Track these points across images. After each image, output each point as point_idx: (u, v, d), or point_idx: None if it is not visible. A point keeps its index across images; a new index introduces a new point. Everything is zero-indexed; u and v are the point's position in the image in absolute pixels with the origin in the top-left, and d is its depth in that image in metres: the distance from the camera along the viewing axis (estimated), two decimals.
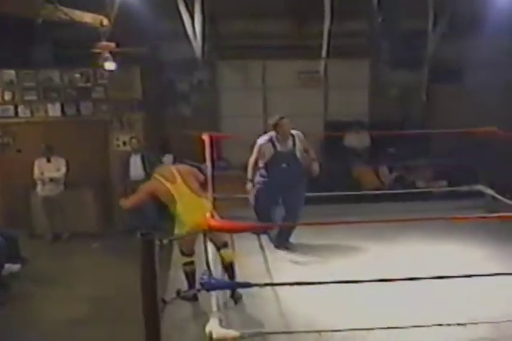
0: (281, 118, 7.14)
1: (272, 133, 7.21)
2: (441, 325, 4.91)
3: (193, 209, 5.83)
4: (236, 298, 5.77)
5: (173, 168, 6.12)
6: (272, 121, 7.24)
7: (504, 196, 8.80)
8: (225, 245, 5.97)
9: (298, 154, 7.21)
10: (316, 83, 12.11)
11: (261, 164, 7.22)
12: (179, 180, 5.95)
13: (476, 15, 10.21)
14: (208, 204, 6.07)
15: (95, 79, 10.93)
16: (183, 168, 6.23)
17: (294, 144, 7.20)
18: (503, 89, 11.24)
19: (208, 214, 5.68)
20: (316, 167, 7.31)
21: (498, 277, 5.28)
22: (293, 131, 7.23)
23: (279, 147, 7.14)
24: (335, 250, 7.22)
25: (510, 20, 9.72)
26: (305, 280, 5.84)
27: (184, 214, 5.83)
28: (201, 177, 6.34)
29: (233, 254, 6.08)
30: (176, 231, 5.89)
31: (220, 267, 6.02)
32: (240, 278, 5.97)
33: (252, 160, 7.26)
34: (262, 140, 7.22)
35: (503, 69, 11.12)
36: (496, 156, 10.18)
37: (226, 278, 5.87)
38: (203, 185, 6.53)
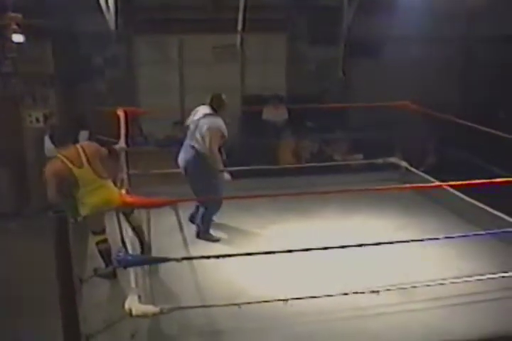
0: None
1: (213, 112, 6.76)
2: (356, 292, 5.06)
3: (97, 191, 5.71)
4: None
5: (80, 148, 5.82)
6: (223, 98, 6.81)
7: (417, 168, 9.10)
8: (132, 211, 5.98)
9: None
10: (233, 57, 12.07)
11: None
12: (86, 164, 5.73)
13: None
14: (110, 184, 5.92)
15: (3, 53, 10.45)
16: (90, 147, 5.93)
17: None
18: (417, 63, 11.54)
19: (111, 194, 5.64)
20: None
21: (408, 245, 5.51)
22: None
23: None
24: (253, 224, 7.28)
25: None
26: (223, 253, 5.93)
27: (86, 197, 5.70)
28: (105, 152, 6.11)
29: (140, 218, 6.05)
30: (80, 211, 5.75)
31: (137, 244, 6.00)
32: (157, 252, 6.00)
33: (216, 146, 6.62)
34: (220, 122, 6.70)
35: (417, 44, 11.41)
36: (410, 130, 10.49)
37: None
38: (111, 160, 6.39)
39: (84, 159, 5.74)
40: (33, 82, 10.65)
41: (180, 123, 11.61)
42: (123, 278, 5.46)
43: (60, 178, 5.67)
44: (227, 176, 6.67)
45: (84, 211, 5.74)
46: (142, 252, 5.98)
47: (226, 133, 6.67)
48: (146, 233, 6.16)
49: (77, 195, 5.73)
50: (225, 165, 6.71)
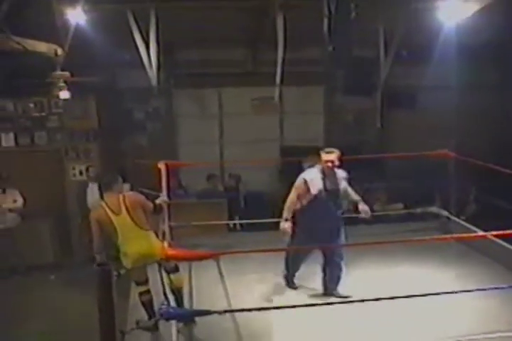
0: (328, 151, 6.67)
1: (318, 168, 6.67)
2: None
3: (136, 241, 5.83)
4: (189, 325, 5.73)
5: (121, 197, 6.00)
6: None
7: (458, 217, 8.99)
8: (176, 269, 5.96)
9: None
10: (272, 110, 12.26)
11: (304, 202, 6.59)
12: (124, 211, 5.88)
13: (425, 42, 10.49)
14: (153, 235, 6.02)
15: (50, 109, 10.83)
16: (131, 197, 6.11)
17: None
18: (454, 112, 11.54)
19: (154, 247, 5.71)
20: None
21: (458, 296, 5.39)
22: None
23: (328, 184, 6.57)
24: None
25: (458, 46, 10.02)
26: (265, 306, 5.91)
27: (126, 246, 5.82)
28: (149, 206, 6.22)
29: (183, 280, 6.04)
30: (123, 262, 5.84)
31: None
32: (199, 305, 5.96)
33: (293, 197, 6.58)
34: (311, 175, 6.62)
35: (454, 92, 11.44)
36: (449, 179, 10.40)
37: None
38: (154, 214, 6.48)
39: (123, 207, 5.91)
40: (77, 136, 10.96)
41: (214, 176, 11.76)
42: (165, 331, 5.45)
43: (101, 225, 5.86)
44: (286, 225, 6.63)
45: (127, 263, 5.82)
46: None
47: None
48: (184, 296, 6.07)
49: (118, 243, 5.85)
50: None
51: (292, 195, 6.56)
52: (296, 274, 6.99)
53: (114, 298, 4.04)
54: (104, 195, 6.16)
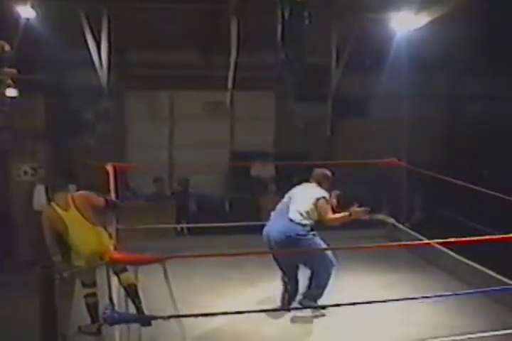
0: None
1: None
2: None
3: (87, 237, 5.83)
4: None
5: (69, 195, 6.07)
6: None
7: (404, 225, 9.14)
8: (124, 269, 5.90)
9: None
10: (223, 114, 12.25)
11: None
12: (72, 207, 5.93)
13: (377, 51, 10.67)
14: (104, 233, 6.00)
15: None
16: (79, 194, 6.17)
17: None
18: (404, 121, 11.74)
19: (105, 244, 5.63)
20: None
21: (397, 303, 5.47)
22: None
23: None
24: (240, 281, 7.22)
25: (409, 56, 10.21)
26: (212, 311, 5.86)
27: (78, 242, 5.81)
28: (99, 202, 6.22)
29: (133, 277, 5.97)
30: (74, 260, 5.80)
31: (123, 299, 5.91)
32: (145, 309, 5.89)
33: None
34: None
35: (404, 102, 11.64)
36: (396, 186, 10.57)
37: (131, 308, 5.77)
38: (103, 210, 6.41)
39: (71, 203, 5.95)
40: (23, 135, 10.71)
41: (161, 179, 11.69)
42: (108, 335, 5.37)
43: (52, 223, 5.88)
44: None
45: (78, 262, 5.77)
46: (138, 312, 5.84)
47: None
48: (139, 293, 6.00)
49: (69, 240, 5.82)
50: None
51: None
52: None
53: (56, 302, 3.96)
54: (54, 196, 6.15)
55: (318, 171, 6.83)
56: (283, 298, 6.38)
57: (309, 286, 6.32)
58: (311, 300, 6.19)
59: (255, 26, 9.75)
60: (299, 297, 6.35)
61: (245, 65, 10.71)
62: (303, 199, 6.39)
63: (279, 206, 6.49)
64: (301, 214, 6.25)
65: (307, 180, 6.73)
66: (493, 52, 11.30)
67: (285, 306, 6.29)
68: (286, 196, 6.51)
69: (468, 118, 12.74)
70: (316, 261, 6.26)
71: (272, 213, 6.49)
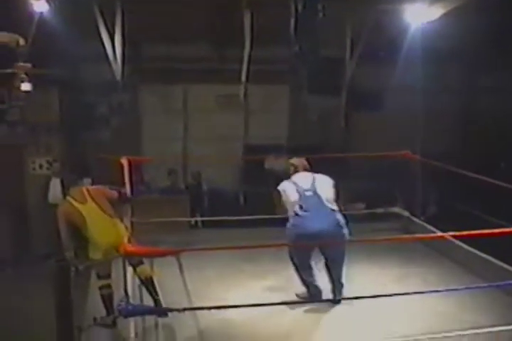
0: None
1: None
2: None
3: (105, 229, 5.87)
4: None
5: (84, 189, 6.13)
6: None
7: (420, 218, 9.10)
8: (141, 262, 5.95)
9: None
10: (236, 107, 12.25)
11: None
12: (89, 200, 5.97)
13: (391, 43, 10.60)
14: (120, 224, 6.04)
15: (10, 101, 10.62)
16: (94, 188, 6.25)
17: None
18: (418, 113, 11.69)
19: (122, 236, 5.67)
20: None
21: (415, 296, 5.46)
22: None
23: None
24: (254, 273, 7.23)
25: (423, 48, 10.15)
26: (225, 303, 5.90)
27: (96, 234, 5.85)
28: (113, 195, 6.31)
29: (150, 270, 6.03)
30: (91, 254, 5.83)
31: (138, 291, 5.95)
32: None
33: None
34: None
35: (419, 94, 11.58)
36: (411, 179, 10.53)
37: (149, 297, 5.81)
38: (118, 204, 6.46)
39: (87, 196, 6.01)
40: (38, 129, 10.78)
41: (175, 171, 11.74)
42: (123, 327, 5.40)
43: (68, 217, 5.92)
44: None
45: (96, 255, 5.83)
46: (155, 304, 5.87)
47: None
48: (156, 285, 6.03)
49: (87, 233, 5.87)
50: None
51: None
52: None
53: (71, 295, 3.99)
54: (70, 190, 6.20)
55: (301, 161, 6.75)
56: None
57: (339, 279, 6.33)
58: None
59: (269, 19, 9.72)
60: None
61: (259, 58, 10.69)
62: (326, 188, 6.40)
63: (304, 199, 6.31)
64: (334, 204, 6.33)
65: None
66: (507, 44, 11.19)
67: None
68: (299, 188, 6.39)
69: (483, 110, 12.64)
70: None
71: (297, 206, 6.28)
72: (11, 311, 7.77)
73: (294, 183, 6.43)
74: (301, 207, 6.26)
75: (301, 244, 6.22)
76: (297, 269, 6.37)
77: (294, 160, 6.72)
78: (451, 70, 12.49)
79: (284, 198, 6.37)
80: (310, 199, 6.30)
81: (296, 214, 6.23)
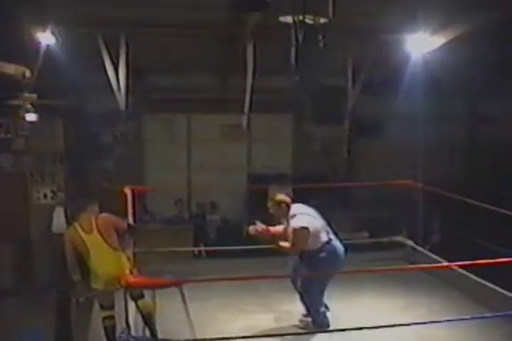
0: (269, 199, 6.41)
1: None
2: None
3: (107, 261, 5.85)
4: None
5: (93, 218, 6.06)
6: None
7: (423, 247, 9.05)
8: (142, 295, 5.92)
9: None
10: (240, 137, 12.32)
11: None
12: (95, 231, 5.94)
13: (393, 73, 10.68)
14: (123, 257, 6.01)
15: (16, 131, 10.70)
16: (103, 218, 6.14)
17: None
18: (421, 143, 11.71)
19: (124, 268, 5.65)
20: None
21: (420, 326, 5.42)
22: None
23: None
24: (258, 305, 7.18)
25: (425, 77, 10.22)
26: (228, 334, 5.84)
27: (97, 266, 5.84)
28: (123, 225, 6.28)
29: (152, 305, 6.00)
30: (93, 283, 5.82)
31: (140, 323, 5.91)
32: (161, 333, 5.86)
33: None
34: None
35: (421, 123, 11.62)
36: (414, 208, 10.49)
37: (147, 332, 5.77)
38: (125, 234, 6.46)
39: (94, 227, 5.97)
40: (42, 159, 10.85)
41: (181, 201, 11.77)
42: None
43: (73, 244, 5.93)
44: None
45: (97, 285, 5.83)
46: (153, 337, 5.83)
47: None
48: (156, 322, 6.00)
49: (89, 262, 5.87)
50: None
51: None
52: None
53: (71, 325, 3.98)
54: (78, 216, 6.18)
55: (286, 193, 6.51)
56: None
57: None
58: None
59: (271, 50, 9.81)
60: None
61: (262, 88, 10.77)
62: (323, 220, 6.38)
63: (324, 227, 6.31)
64: None
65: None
66: (508, 72, 11.27)
67: None
68: (315, 217, 6.33)
69: (485, 138, 12.67)
70: None
71: (325, 233, 6.26)
72: None
73: (308, 214, 6.26)
74: (328, 234, 6.24)
75: (334, 271, 6.20)
76: (313, 299, 6.27)
77: (282, 197, 6.36)
78: (453, 99, 12.57)
79: (312, 231, 6.10)
80: (326, 227, 6.30)
81: (328, 242, 6.19)
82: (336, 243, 6.27)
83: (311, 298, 6.28)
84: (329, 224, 6.47)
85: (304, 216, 6.20)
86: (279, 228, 6.48)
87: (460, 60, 10.48)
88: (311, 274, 6.24)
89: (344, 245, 6.37)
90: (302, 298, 6.34)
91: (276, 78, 11.37)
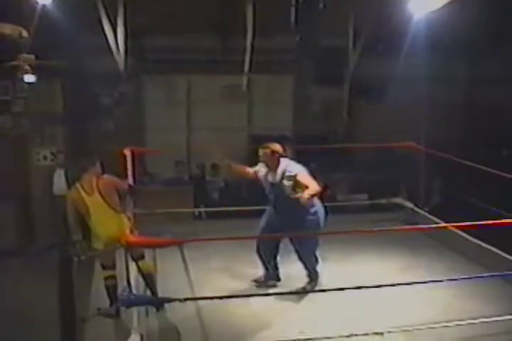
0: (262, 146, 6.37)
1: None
2: (357, 335, 5.03)
3: (107, 221, 5.89)
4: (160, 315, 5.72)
5: (94, 179, 6.05)
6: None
7: (422, 209, 9.10)
8: (142, 256, 5.99)
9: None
10: (240, 98, 12.24)
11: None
12: (96, 192, 5.96)
13: (394, 34, 10.55)
14: (124, 218, 6.06)
15: (14, 92, 10.63)
16: (104, 179, 6.12)
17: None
18: (421, 104, 11.66)
19: (124, 229, 5.70)
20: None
21: (413, 286, 5.49)
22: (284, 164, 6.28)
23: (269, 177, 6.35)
24: (254, 264, 7.24)
25: (427, 38, 10.11)
26: (227, 293, 5.93)
27: (98, 226, 5.89)
28: (124, 186, 6.33)
29: (152, 265, 6.09)
30: (93, 243, 5.89)
31: (141, 282, 5.99)
32: (162, 292, 5.95)
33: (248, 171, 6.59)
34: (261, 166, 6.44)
35: (422, 85, 11.55)
36: (415, 170, 10.51)
37: (148, 291, 5.86)
38: (125, 195, 6.50)
39: (95, 187, 5.98)
40: (42, 120, 10.79)
41: (182, 163, 11.77)
42: (127, 317, 5.44)
43: (75, 205, 5.99)
44: None
45: (97, 245, 5.89)
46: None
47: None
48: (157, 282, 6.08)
49: (90, 223, 5.92)
50: None
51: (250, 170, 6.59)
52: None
53: (74, 285, 4.02)
54: (81, 176, 6.17)
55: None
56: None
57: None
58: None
59: (271, 9, 9.68)
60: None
61: (262, 49, 10.66)
62: None
63: None
64: None
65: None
66: (509, 35, 11.14)
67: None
68: None
69: (487, 100, 12.58)
70: None
71: None
72: (14, 301, 7.80)
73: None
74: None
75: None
76: (313, 257, 6.42)
77: (278, 147, 6.32)
78: (454, 60, 12.44)
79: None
80: None
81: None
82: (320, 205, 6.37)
83: (311, 256, 6.39)
84: None
85: (298, 165, 6.28)
86: (243, 168, 6.68)
87: (462, 20, 10.34)
88: (309, 233, 6.30)
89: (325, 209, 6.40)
90: (300, 258, 6.43)
91: (276, 38, 11.26)
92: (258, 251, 6.53)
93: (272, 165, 6.28)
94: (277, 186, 6.18)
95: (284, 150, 6.38)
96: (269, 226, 6.41)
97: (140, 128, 12.30)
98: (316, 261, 6.48)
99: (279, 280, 6.58)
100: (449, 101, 12.40)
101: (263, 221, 6.50)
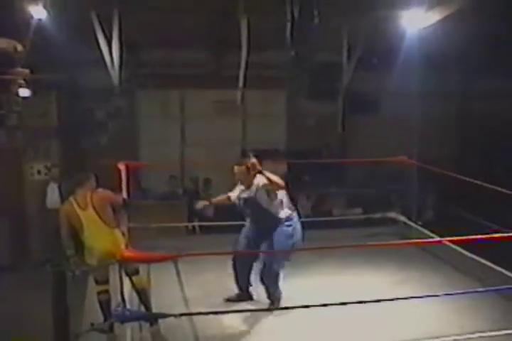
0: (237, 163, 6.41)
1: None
2: None
3: (101, 237, 5.86)
4: (153, 330, 5.68)
5: (89, 194, 6.03)
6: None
7: (416, 222, 9.12)
8: (137, 272, 5.97)
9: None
10: (234, 112, 12.28)
11: None
12: (90, 207, 5.94)
13: (388, 49, 10.63)
14: (118, 233, 6.04)
15: (9, 106, 10.62)
16: (99, 194, 6.11)
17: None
18: (415, 118, 11.72)
19: (119, 244, 5.68)
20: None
21: (412, 301, 5.48)
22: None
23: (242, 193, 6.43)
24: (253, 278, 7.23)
25: (420, 53, 10.18)
26: (222, 308, 5.91)
27: (91, 241, 5.86)
28: (118, 200, 6.30)
29: (146, 281, 6.07)
30: (87, 259, 5.86)
31: (135, 297, 5.96)
32: (156, 307, 5.91)
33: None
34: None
35: (416, 99, 11.62)
36: (408, 184, 10.53)
37: (142, 307, 5.82)
38: (120, 210, 6.49)
39: (89, 202, 5.96)
40: (36, 134, 10.78)
41: (175, 177, 11.77)
42: (120, 333, 5.41)
43: (69, 220, 5.95)
44: None
45: (90, 260, 5.85)
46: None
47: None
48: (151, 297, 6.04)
49: (83, 238, 5.89)
50: None
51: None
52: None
53: (67, 300, 4.01)
54: (76, 191, 6.15)
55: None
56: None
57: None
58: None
59: (265, 25, 9.73)
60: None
61: (256, 64, 10.70)
62: None
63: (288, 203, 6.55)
64: None
65: None
66: (503, 49, 11.24)
67: None
68: None
69: (480, 115, 12.67)
70: None
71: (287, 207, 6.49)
72: (8, 317, 7.74)
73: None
74: (291, 210, 6.45)
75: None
76: (277, 276, 6.37)
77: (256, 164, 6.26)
78: (447, 75, 12.53)
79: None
80: (290, 204, 6.56)
81: (291, 218, 6.37)
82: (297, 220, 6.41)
83: (274, 272, 6.29)
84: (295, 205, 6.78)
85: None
86: (222, 197, 6.82)
87: (455, 36, 10.44)
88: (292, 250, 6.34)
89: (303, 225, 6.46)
90: (262, 278, 6.34)
91: (270, 53, 11.31)
92: (234, 266, 6.53)
93: (248, 182, 6.32)
94: (252, 200, 6.25)
95: (261, 165, 6.29)
96: (246, 241, 6.47)
97: (134, 143, 12.30)
98: (278, 281, 6.36)
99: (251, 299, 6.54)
100: (443, 116, 12.48)
101: (240, 237, 6.55)
